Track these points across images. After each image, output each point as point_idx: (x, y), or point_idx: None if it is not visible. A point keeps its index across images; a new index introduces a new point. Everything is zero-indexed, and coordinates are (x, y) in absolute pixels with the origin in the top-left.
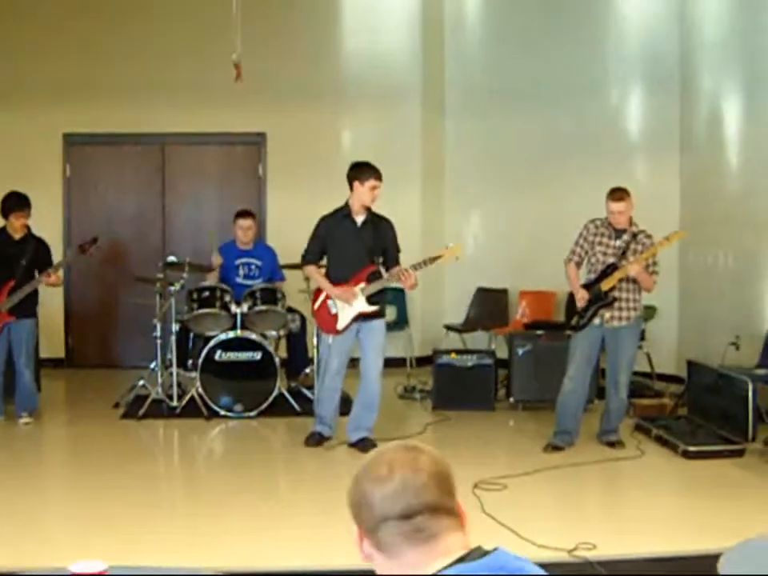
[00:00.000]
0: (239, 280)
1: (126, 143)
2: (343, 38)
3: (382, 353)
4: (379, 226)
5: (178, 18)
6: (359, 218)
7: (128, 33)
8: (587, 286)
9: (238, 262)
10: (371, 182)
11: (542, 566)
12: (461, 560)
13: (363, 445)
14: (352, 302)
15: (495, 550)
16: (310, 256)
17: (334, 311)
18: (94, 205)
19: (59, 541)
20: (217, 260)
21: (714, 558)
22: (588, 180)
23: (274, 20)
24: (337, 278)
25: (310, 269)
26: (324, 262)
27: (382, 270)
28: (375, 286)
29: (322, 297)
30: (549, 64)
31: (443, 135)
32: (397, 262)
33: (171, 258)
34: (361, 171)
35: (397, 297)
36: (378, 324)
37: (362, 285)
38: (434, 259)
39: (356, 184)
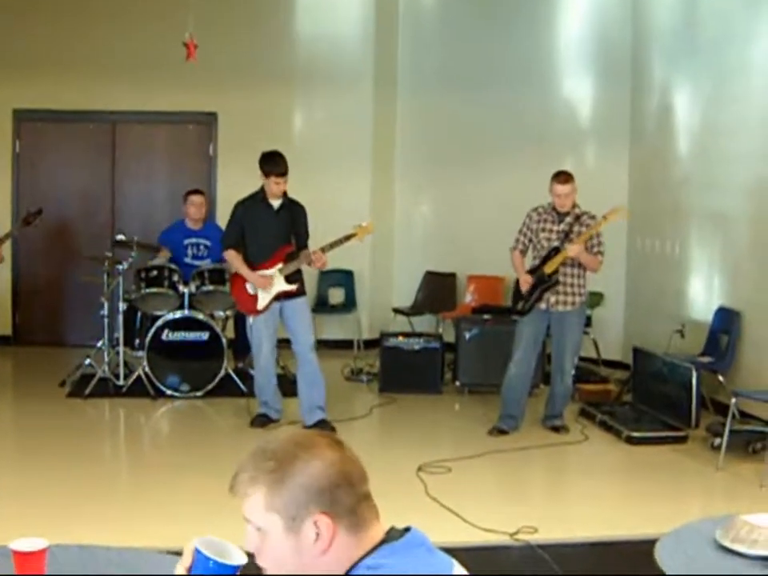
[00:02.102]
0: (188, 260)
1: (77, 120)
2: (296, 18)
3: (310, 328)
4: (293, 210)
5: None
6: (275, 203)
7: (80, 10)
8: (532, 271)
9: (186, 242)
10: (273, 178)
11: (485, 549)
12: (385, 540)
13: (321, 427)
14: (268, 288)
15: (408, 529)
16: (230, 240)
17: (252, 292)
18: (44, 182)
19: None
20: (165, 252)
21: (653, 543)
22: (537, 166)
23: None
24: (255, 260)
25: (231, 253)
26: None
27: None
28: (293, 266)
29: (239, 278)
30: (501, 49)
31: (394, 118)
32: (306, 246)
33: (120, 237)
34: (266, 165)
35: (345, 280)
36: (301, 301)
37: (280, 265)
38: (346, 238)
39: (262, 176)
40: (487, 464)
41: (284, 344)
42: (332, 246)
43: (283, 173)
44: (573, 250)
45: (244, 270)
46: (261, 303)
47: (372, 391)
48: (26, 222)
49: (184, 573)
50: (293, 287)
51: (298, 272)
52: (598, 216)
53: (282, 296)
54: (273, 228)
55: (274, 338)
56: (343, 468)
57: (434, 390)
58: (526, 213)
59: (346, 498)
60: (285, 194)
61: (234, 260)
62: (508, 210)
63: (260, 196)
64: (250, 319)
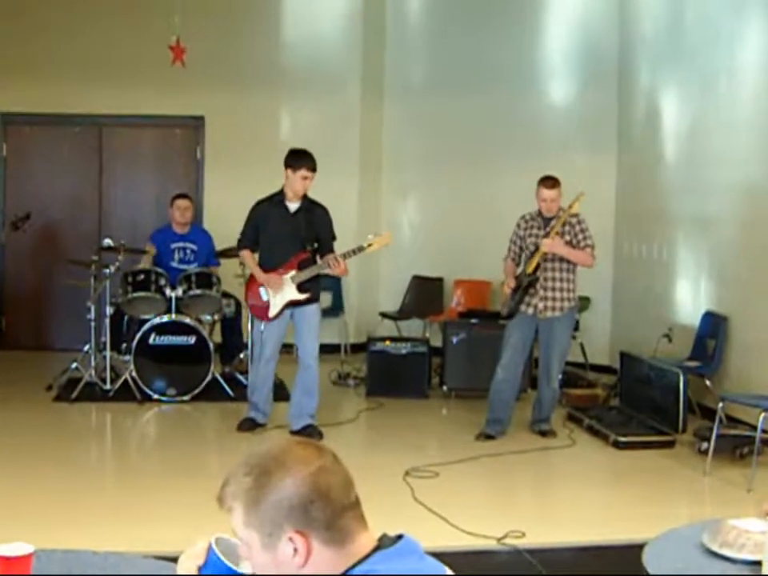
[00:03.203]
0: (174, 264)
1: (64, 124)
2: (284, 22)
3: (317, 338)
4: (313, 212)
5: None
6: (293, 205)
7: (68, 13)
8: (518, 277)
9: (173, 246)
10: (302, 172)
11: (472, 553)
12: (378, 547)
13: (308, 432)
14: (278, 290)
15: (402, 536)
16: (246, 241)
17: (265, 298)
18: (31, 185)
19: None
20: (150, 250)
21: (640, 547)
22: (524, 171)
23: (213, 3)
24: (268, 264)
25: (245, 253)
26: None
27: (317, 257)
28: (307, 273)
29: (255, 283)
30: (488, 54)
31: (382, 122)
32: (331, 250)
33: (107, 242)
34: (294, 159)
35: (332, 283)
36: (312, 308)
37: (293, 272)
38: (360, 249)
39: (289, 171)
40: (474, 469)
41: (283, 350)
42: (351, 253)
43: (314, 168)
44: (546, 244)
45: (255, 270)
46: (273, 311)
47: (359, 395)
48: (15, 226)
49: (194, 567)
50: (303, 296)
51: (314, 279)
52: (588, 220)
53: (291, 304)
54: (288, 232)
55: (278, 344)
56: (318, 482)
57: (421, 395)
58: (516, 222)
59: (322, 513)
60: (305, 196)
61: (247, 260)
62: (495, 215)
63: (278, 198)
64: (262, 325)
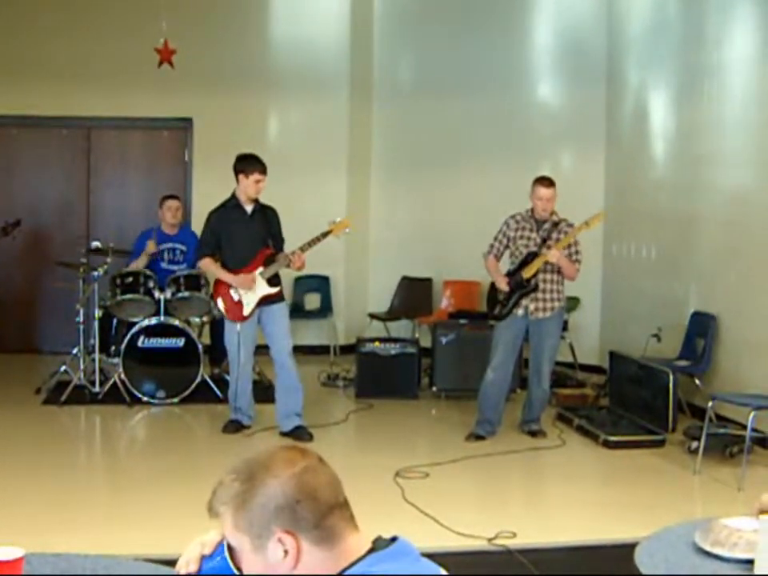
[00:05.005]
0: (163, 265)
1: (51, 127)
2: (271, 24)
3: (289, 334)
4: (266, 214)
5: (106, 1)
6: (249, 207)
7: (55, 15)
8: (509, 275)
9: (162, 246)
10: (255, 176)
11: (463, 554)
12: (373, 549)
13: (298, 433)
14: (252, 288)
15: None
16: (206, 249)
17: (237, 298)
18: (18, 188)
19: None
20: (150, 246)
21: (631, 547)
22: (513, 171)
23: (201, 4)
24: (234, 265)
25: (206, 261)
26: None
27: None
28: (273, 268)
29: (222, 286)
30: (476, 55)
31: (370, 124)
32: (281, 250)
33: (96, 244)
34: (246, 164)
35: (321, 285)
36: (279, 307)
37: (261, 269)
38: (323, 235)
39: (241, 176)
40: (464, 469)
41: (261, 350)
42: (310, 244)
43: (265, 170)
44: (553, 255)
45: (224, 275)
46: (246, 309)
47: (348, 397)
48: (5, 232)
49: (197, 554)
50: (276, 290)
51: (278, 277)
52: (576, 224)
53: (262, 301)
54: (249, 232)
55: (252, 345)
56: (303, 482)
57: (411, 396)
58: (504, 220)
59: (309, 512)
60: (256, 200)
61: (210, 268)
62: (484, 215)
63: (233, 202)
64: (237, 326)
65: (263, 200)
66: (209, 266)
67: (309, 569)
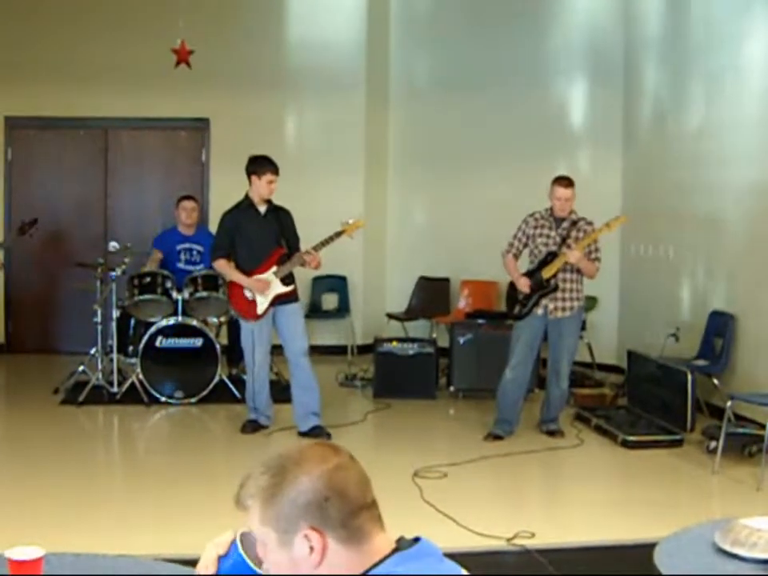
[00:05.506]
0: (181, 265)
1: (69, 127)
2: (288, 24)
3: (304, 335)
4: (280, 215)
5: (123, 1)
6: (262, 208)
7: (73, 16)
8: (528, 275)
9: (179, 247)
10: (268, 176)
11: (482, 554)
12: (397, 549)
13: (316, 433)
14: (266, 292)
15: (418, 539)
16: (221, 251)
17: (251, 297)
18: (36, 189)
19: None
20: (156, 254)
21: (651, 547)
22: (531, 171)
23: (218, 5)
24: (248, 266)
25: (221, 263)
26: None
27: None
28: (287, 267)
29: (236, 287)
30: (493, 55)
31: (387, 123)
32: (297, 249)
33: (113, 245)
34: (258, 165)
35: (338, 285)
36: (294, 307)
37: (274, 268)
38: (337, 235)
39: (253, 178)
40: (483, 469)
41: (278, 350)
42: (323, 244)
43: (277, 171)
44: (574, 255)
45: (239, 277)
46: (260, 308)
47: (366, 397)
48: (22, 231)
49: (215, 555)
50: (290, 288)
51: (292, 276)
52: (596, 222)
53: (276, 301)
54: (263, 232)
55: (268, 345)
56: (333, 480)
57: (429, 395)
58: (523, 218)
59: (337, 510)
60: (269, 200)
61: (225, 269)
62: (501, 215)
63: (246, 203)
64: (251, 325)
65: (280, 199)
66: (223, 268)
67: (333, 567)
